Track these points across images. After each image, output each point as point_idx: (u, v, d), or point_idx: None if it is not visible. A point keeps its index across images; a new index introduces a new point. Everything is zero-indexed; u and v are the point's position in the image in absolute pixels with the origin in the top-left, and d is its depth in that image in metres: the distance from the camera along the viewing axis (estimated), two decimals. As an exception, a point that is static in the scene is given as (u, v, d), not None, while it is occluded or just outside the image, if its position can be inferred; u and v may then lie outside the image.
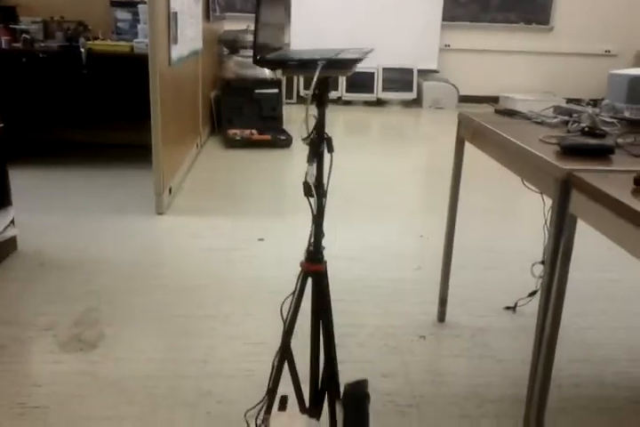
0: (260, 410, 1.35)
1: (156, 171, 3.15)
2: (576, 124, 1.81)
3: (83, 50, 3.61)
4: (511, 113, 2.08)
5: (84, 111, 4.47)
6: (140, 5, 3.77)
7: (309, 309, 1.33)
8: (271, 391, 1.34)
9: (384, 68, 7.24)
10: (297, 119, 6.17)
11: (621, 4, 7.45)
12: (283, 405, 1.41)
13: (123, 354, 1.89)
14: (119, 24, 3.89)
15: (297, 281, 1.31)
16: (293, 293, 1.30)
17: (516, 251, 2.84)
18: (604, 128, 1.75)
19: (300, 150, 4.81)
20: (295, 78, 7.15)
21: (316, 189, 1.32)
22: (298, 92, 7.17)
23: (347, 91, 7.24)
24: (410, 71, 7.28)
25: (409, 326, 2.12)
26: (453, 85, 7.23)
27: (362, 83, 7.25)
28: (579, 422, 1.65)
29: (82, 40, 3.66)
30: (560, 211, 1.36)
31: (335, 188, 4.41)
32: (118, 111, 4.41)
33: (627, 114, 1.93)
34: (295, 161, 4.60)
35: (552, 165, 1.39)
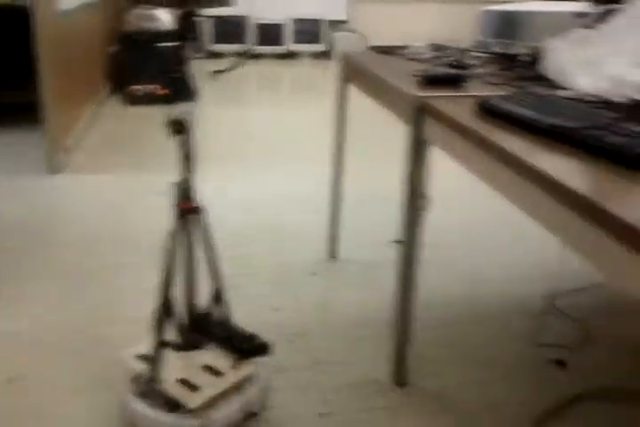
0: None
1: (47, 129, 3.03)
2: (445, 59, 1.88)
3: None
4: (388, 51, 2.13)
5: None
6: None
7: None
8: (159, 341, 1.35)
9: (294, 20, 7.14)
10: (204, 73, 6.04)
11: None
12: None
13: (17, 310, 1.87)
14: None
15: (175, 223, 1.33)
16: (172, 233, 1.31)
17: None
18: (468, 61, 1.83)
19: (206, 104, 4.73)
20: (202, 32, 6.94)
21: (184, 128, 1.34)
22: (205, 46, 6.98)
23: (256, 43, 7.11)
24: (319, 22, 7.21)
25: (302, 263, 2.19)
26: (363, 36, 7.22)
27: (271, 35, 7.14)
28: (447, 335, 1.78)
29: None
30: (415, 137, 1.42)
31: (248, 140, 4.39)
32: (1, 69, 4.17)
33: (496, 49, 2.01)
34: (203, 115, 4.53)
35: (408, 93, 1.45)
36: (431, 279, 2.05)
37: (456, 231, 2.52)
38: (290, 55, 7.23)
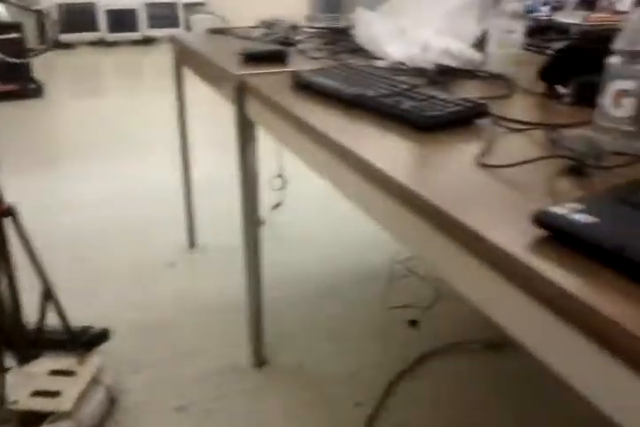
0: None
1: None
2: (274, 36, 1.86)
3: None
4: (221, 31, 2.08)
5: None
6: None
7: None
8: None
9: (146, 4, 6.85)
10: (53, 66, 5.67)
11: None
12: None
13: None
14: None
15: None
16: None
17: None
18: (297, 37, 1.83)
19: (56, 99, 4.44)
20: (47, 21, 6.48)
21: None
22: (51, 36, 6.53)
23: (109, 31, 6.75)
24: (174, 5, 6.97)
25: (160, 256, 2.12)
26: (221, 18, 7.07)
27: (125, 21, 6.80)
28: (303, 311, 1.80)
29: None
30: (239, 116, 1.40)
31: (99, 133, 4.14)
32: None
33: (324, 23, 2.02)
34: (51, 111, 4.25)
35: (228, 72, 1.42)
36: (284, 257, 2.06)
37: (304, 209, 2.53)
38: (146, 41, 6.94)
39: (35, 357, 1.33)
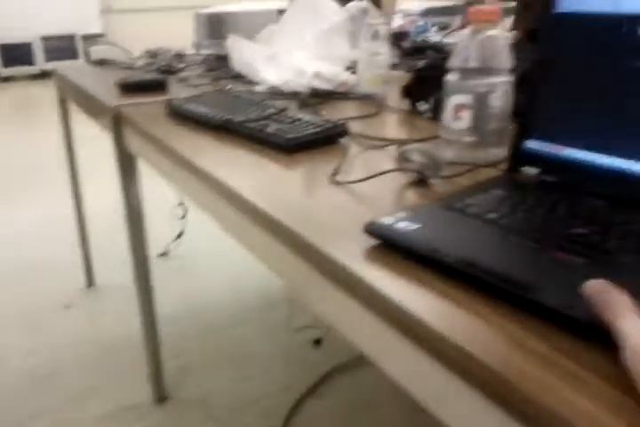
0: None
1: None
2: (156, 65, 1.86)
3: None
4: (104, 62, 2.06)
5: None
6: None
7: None
8: None
9: (43, 37, 6.66)
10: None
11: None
12: None
13: None
14: None
15: None
16: None
17: (158, 199, 2.89)
18: (179, 65, 1.83)
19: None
20: None
21: None
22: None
23: (4, 65, 6.50)
24: (73, 37, 6.82)
25: (55, 298, 2.03)
26: (120, 48, 6.98)
27: (20, 55, 6.58)
28: (206, 341, 1.77)
29: None
30: (117, 148, 1.38)
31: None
32: None
33: (207, 50, 2.03)
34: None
35: (105, 103, 1.40)
36: (187, 288, 2.03)
37: (207, 236, 2.50)
38: (44, 75, 6.73)
39: None
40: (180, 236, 2.27)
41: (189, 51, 2.14)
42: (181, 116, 1.21)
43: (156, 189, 2.08)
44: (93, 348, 1.74)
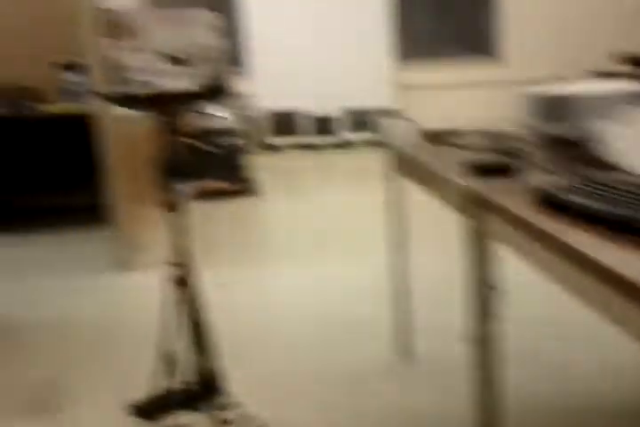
0: None
1: (117, 228, 3.12)
2: (494, 146, 1.83)
3: (31, 113, 3.64)
4: (437, 138, 2.10)
5: (33, 175, 4.47)
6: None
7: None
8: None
9: (345, 110, 7.39)
10: (262, 167, 6.23)
11: (566, 29, 7.73)
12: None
13: None
14: (67, 86, 3.94)
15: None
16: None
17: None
18: (519, 147, 1.77)
19: (266, 199, 4.82)
20: (258, 126, 7.26)
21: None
22: (262, 140, 7.27)
23: (311, 135, 7.34)
24: (370, 111, 7.43)
25: (375, 364, 2.05)
26: (414, 123, 7.36)
27: (326, 126, 7.37)
28: None
29: (30, 104, 3.69)
30: (473, 230, 1.34)
31: (301, 231, 4.34)
32: (68, 173, 4.43)
33: (546, 133, 1.95)
34: (262, 209, 4.60)
35: (460, 185, 1.39)
36: (517, 376, 1.87)
37: (538, 322, 2.33)
38: (344, 145, 7.41)
39: None
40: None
41: (511, 129, 2.09)
42: (556, 206, 1.12)
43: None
44: (413, 421, 1.70)
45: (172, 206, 1.69)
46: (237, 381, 1.88)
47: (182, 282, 1.66)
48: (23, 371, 2.13)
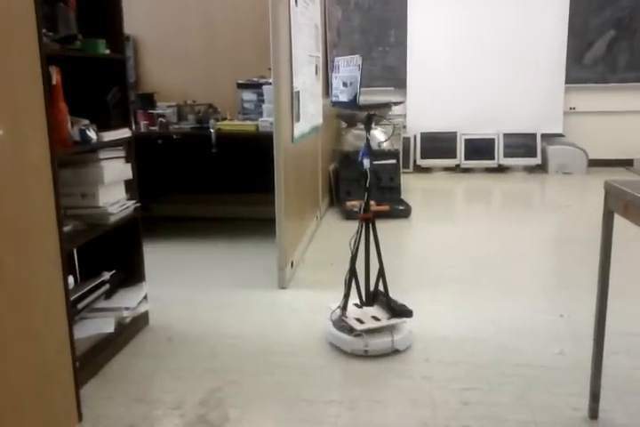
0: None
1: (279, 245, 3.16)
2: None
3: (212, 130, 3.81)
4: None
5: (215, 187, 4.71)
6: (264, 86, 3.96)
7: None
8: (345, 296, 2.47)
9: (505, 134, 7.08)
10: (414, 188, 6.11)
11: None
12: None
13: None
14: (245, 104, 4.10)
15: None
16: (357, 232, 2.49)
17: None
18: None
19: (419, 220, 4.70)
20: (411, 148, 7.16)
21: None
22: (415, 161, 7.15)
23: (465, 158, 7.11)
24: (533, 136, 7.05)
25: (556, 422, 1.86)
26: (581, 149, 6.87)
27: (481, 149, 7.11)
28: None
29: (211, 121, 3.88)
30: None
31: (457, 260, 4.19)
32: (245, 186, 4.61)
33: None
34: (414, 231, 4.49)
35: None
36: None
37: None
38: (500, 169, 7.09)
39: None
40: None
41: None
42: None
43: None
44: None
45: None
46: None
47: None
48: (192, 382, 2.17)
